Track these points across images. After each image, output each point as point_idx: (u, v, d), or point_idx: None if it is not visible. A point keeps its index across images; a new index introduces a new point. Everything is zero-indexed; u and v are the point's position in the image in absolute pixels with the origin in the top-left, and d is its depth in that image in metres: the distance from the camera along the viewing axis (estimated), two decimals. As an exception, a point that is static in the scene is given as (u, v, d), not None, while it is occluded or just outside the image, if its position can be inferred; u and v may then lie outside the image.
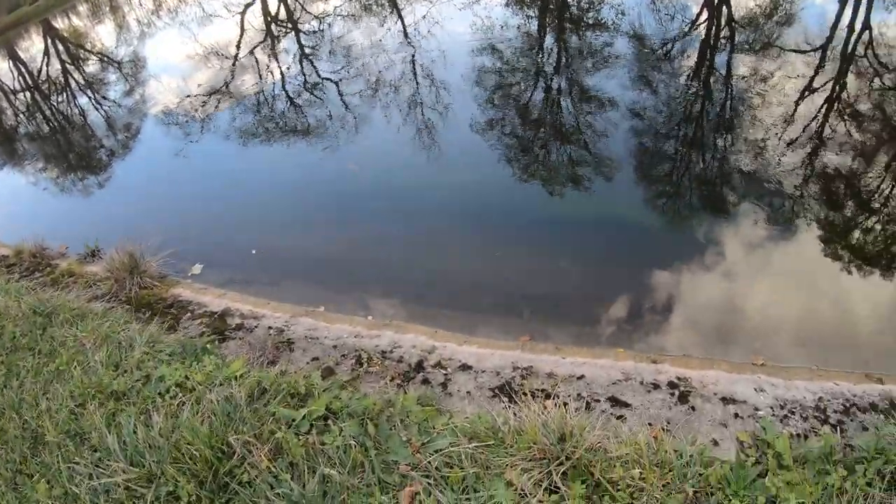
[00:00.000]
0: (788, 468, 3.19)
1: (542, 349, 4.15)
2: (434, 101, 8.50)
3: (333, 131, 8.06)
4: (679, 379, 3.75)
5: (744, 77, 9.05)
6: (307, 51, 10.85)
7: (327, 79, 9.49)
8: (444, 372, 4.00)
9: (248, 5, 14.08)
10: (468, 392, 3.80)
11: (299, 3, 13.49)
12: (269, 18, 13.22)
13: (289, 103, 9.00)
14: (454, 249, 5.66)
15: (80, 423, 3.66)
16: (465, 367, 4.01)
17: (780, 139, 7.55)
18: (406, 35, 10.67)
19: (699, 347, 4.35)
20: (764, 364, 4.16)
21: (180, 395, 3.73)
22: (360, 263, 5.63)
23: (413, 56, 9.84)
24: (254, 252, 5.84)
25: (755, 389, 3.81)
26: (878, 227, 6.33)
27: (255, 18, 13.15)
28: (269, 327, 4.81)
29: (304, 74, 9.85)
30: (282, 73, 10.05)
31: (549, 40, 10.29)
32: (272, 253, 5.93)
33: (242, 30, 12.58)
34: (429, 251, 5.70)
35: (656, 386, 3.69)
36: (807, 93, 8.78)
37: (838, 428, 3.71)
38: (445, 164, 7.08)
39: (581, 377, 3.77)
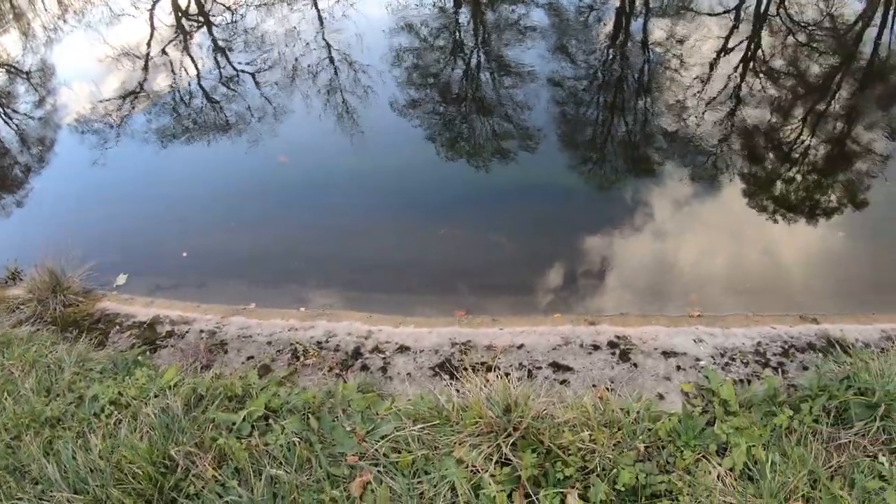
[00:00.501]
0: (735, 414, 3.19)
1: (480, 322, 4.05)
2: (354, 85, 8.28)
3: (255, 124, 7.73)
4: (618, 338, 3.72)
5: (661, 41, 9.16)
6: (221, 44, 10.41)
7: (244, 71, 9.12)
8: (383, 356, 3.85)
9: (156, 1, 13.46)
10: (409, 374, 3.67)
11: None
12: (179, 13, 12.66)
13: (207, 99, 8.60)
14: (385, 232, 5.48)
15: (18, 455, 3.37)
16: (403, 349, 3.87)
17: (699, 99, 7.68)
18: (321, 20, 10.37)
19: (635, 305, 4.34)
20: (700, 315, 4.18)
21: (116, 412, 3.52)
22: (291, 255, 5.39)
23: (329, 41, 9.58)
24: (185, 255, 5.54)
25: (694, 341, 3.81)
26: (798, 175, 6.49)
27: (165, 14, 12.55)
28: (201, 331, 4.57)
29: (220, 68, 9.44)
30: (197, 68, 9.61)
31: (465, 16, 10.12)
32: (200, 254, 5.63)
33: (153, 27, 11.99)
34: (360, 236, 5.50)
35: (597, 347, 3.65)
36: (723, 53, 8.96)
37: (780, 370, 3.75)
38: (371, 148, 6.88)
39: (521, 346, 3.68)
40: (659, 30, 9.57)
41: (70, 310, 4.98)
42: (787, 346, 4.03)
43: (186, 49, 10.60)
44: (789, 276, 5.04)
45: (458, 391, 3.17)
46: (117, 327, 4.77)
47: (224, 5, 12.01)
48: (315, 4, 11.07)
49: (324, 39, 9.64)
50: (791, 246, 5.43)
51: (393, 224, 5.59)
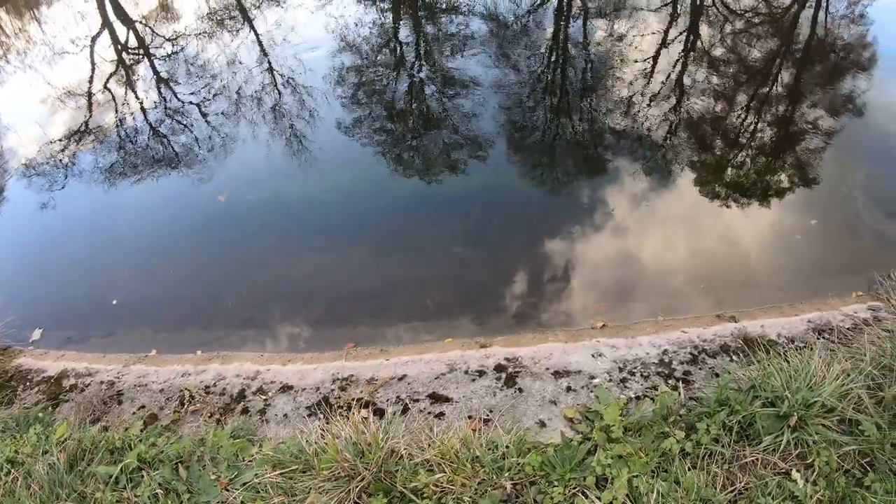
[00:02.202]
0: (619, 440, 2.95)
1: (367, 354, 3.88)
2: (299, 109, 8.14)
3: (201, 157, 7.56)
4: (508, 360, 3.52)
5: (600, 41, 9.05)
6: (163, 76, 10.27)
7: (188, 102, 8.96)
8: (265, 397, 3.68)
9: (95, 37, 13.34)
10: (286, 415, 3.49)
11: (149, 28, 12.85)
12: (119, 47, 12.54)
13: (151, 134, 8.42)
14: (291, 262, 5.30)
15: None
16: (286, 389, 3.69)
17: (635, 95, 7.56)
18: (261, 45, 10.24)
19: (536, 322, 4.15)
20: (605, 326, 3.99)
21: (13, 471, 3.47)
22: (197, 296, 5.22)
23: (271, 66, 9.44)
24: (114, 302, 5.38)
25: (593, 356, 3.61)
26: (722, 165, 6.34)
27: (105, 50, 12.43)
28: (101, 382, 4.46)
29: (164, 100, 9.28)
30: (140, 103, 9.45)
31: (405, 31, 9.98)
32: (109, 301, 5.49)
33: (94, 63, 11.87)
34: (263, 269, 5.29)
35: (482, 373, 3.45)
36: (664, 46, 8.86)
37: (684, 381, 3.54)
38: (291, 175, 6.70)
39: (403, 377, 3.50)
40: (599, 29, 9.45)
41: (-15, 370, 4.86)
42: (697, 352, 3.83)
43: (129, 83, 10.45)
44: (708, 272, 4.84)
45: (323, 433, 2.97)
46: (27, 383, 4.68)
47: (163, 37, 11.88)
48: (254, 30, 10.94)
49: (266, 64, 9.50)
50: (708, 240, 5.25)
51: (300, 253, 5.42)
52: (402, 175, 6.42)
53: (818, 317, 4.20)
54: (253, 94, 8.61)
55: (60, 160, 8.28)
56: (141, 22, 13.24)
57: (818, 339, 3.89)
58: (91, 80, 10.72)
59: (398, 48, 9.38)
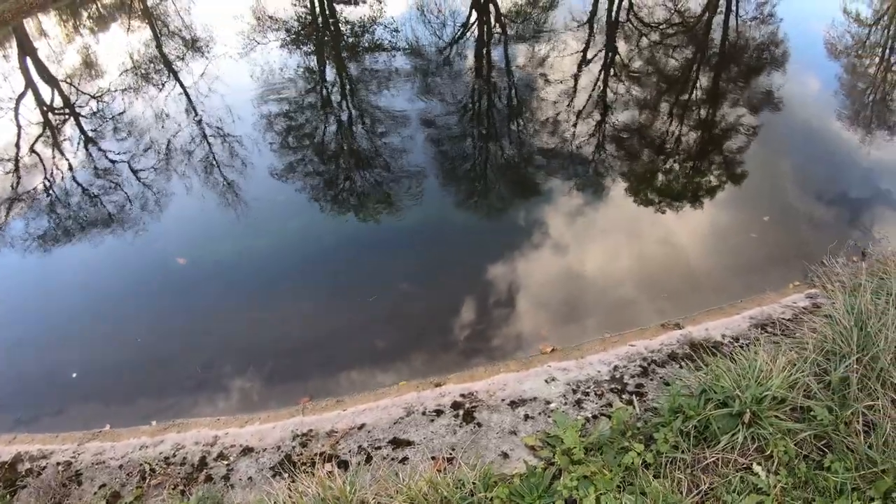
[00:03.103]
0: (582, 461, 3.03)
1: (324, 407, 3.85)
2: (230, 159, 8.03)
3: (133, 216, 7.34)
4: (464, 396, 3.57)
5: (523, 65, 9.31)
6: (91, 134, 10.02)
7: (119, 160, 8.73)
8: (227, 462, 3.60)
9: (19, 97, 12.97)
10: (250, 478, 3.43)
11: (73, 87, 12.57)
12: (44, 108, 12.21)
13: (83, 195, 8.17)
14: (238, 319, 5.21)
15: None
16: (247, 451, 3.63)
17: (570, 112, 7.79)
18: (188, 97, 10.12)
19: (487, 354, 4.21)
20: (554, 350, 4.07)
21: None
22: (143, 362, 5.06)
23: (199, 117, 9.32)
24: (74, 375, 5.17)
25: (546, 381, 3.69)
26: (643, 179, 6.58)
27: (29, 111, 12.08)
28: (58, 463, 4.26)
29: (93, 160, 9.04)
30: (69, 163, 9.18)
31: (330, 72, 10.11)
32: (56, 376, 5.27)
33: (19, 126, 11.52)
34: (211, 328, 5.20)
35: (440, 412, 3.48)
36: (584, 65, 9.18)
37: (635, 395, 3.64)
38: (242, 224, 6.61)
39: (362, 426, 3.49)
40: (520, 55, 9.73)
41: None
42: (646, 364, 3.94)
43: (56, 144, 10.16)
44: (648, 283, 4.99)
45: (290, 493, 2.94)
46: (-21, 471, 4.44)
47: (89, 94, 11.64)
48: (179, 82, 10.83)
49: (193, 116, 9.38)
50: (643, 251, 5.40)
51: (244, 308, 5.33)
52: (338, 218, 6.42)
53: (759, 312, 4.38)
54: (182, 147, 8.49)
55: None
56: (66, 81, 12.97)
57: (762, 334, 4.05)
58: (18, 144, 10.41)
59: (324, 90, 9.43)
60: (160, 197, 7.45)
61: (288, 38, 11.62)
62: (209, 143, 8.56)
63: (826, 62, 9.73)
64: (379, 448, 3.33)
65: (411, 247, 5.78)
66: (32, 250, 7.07)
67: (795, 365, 3.19)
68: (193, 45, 12.68)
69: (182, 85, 10.69)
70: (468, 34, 10.79)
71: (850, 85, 8.85)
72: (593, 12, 11.37)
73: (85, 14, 19.94)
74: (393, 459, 3.22)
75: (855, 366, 3.11)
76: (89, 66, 13.71)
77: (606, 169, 6.72)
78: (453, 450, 3.22)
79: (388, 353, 4.42)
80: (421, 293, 5.00)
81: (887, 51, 10.19)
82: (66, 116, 11.36)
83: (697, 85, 8.65)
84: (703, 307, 4.62)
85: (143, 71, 12.07)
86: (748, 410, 2.98)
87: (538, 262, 5.31)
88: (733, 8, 12.21)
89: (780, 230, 5.61)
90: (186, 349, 4.95)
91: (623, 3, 12.07)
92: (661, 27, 10.79)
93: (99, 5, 20.29)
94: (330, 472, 2.99)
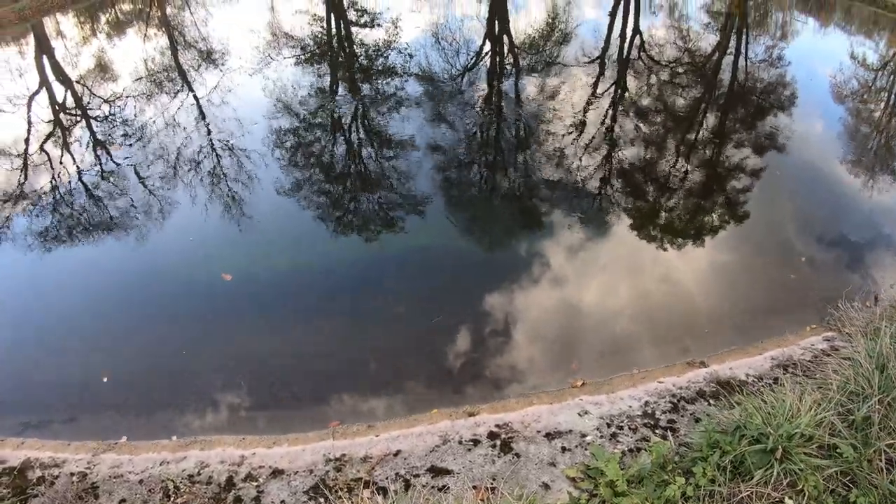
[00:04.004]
0: (625, 493, 3.04)
1: (355, 432, 3.79)
2: (237, 172, 7.99)
3: (140, 222, 7.27)
4: (499, 426, 3.54)
5: (533, 97, 9.40)
6: (101, 137, 9.97)
7: (124, 164, 8.67)
8: (256, 484, 3.53)
9: (32, 96, 12.91)
10: (283, 501, 3.36)
11: (87, 89, 12.53)
12: (56, 108, 12.16)
13: (89, 197, 8.07)
14: (256, 338, 5.13)
15: None
16: (277, 473, 3.56)
17: (576, 147, 7.85)
18: (200, 108, 10.11)
19: (517, 385, 4.20)
20: (584, 384, 4.07)
21: None
22: (161, 376, 4.97)
23: (209, 128, 9.30)
24: (105, 380, 5.03)
25: (579, 414, 3.68)
26: (669, 212, 6.64)
27: (42, 109, 12.02)
28: (72, 473, 4.13)
29: (101, 163, 8.98)
30: (77, 165, 9.10)
31: (342, 93, 10.10)
32: (71, 382, 5.14)
33: (30, 123, 11.44)
34: (229, 345, 5.08)
35: (476, 441, 3.45)
36: (593, 100, 9.29)
37: (670, 430, 3.66)
38: (249, 241, 6.55)
39: (398, 453, 3.45)
40: (531, 86, 9.83)
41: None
42: (676, 401, 3.96)
43: (66, 145, 10.08)
44: (672, 321, 5.04)
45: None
46: (-14, 475, 4.30)
47: (102, 97, 11.60)
48: (192, 92, 10.82)
49: (204, 127, 9.35)
50: (667, 290, 5.46)
51: (265, 328, 5.26)
52: (359, 240, 6.38)
53: (780, 353, 4.48)
54: (192, 158, 8.44)
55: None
56: (80, 82, 12.94)
57: (784, 374, 4.13)
58: (28, 140, 10.32)
59: (336, 110, 9.45)
60: (176, 208, 7.38)
61: (303, 57, 11.67)
62: (217, 155, 8.52)
63: (832, 105, 9.95)
64: (417, 475, 3.29)
65: (433, 274, 5.77)
66: (43, 251, 6.97)
67: (821, 404, 3.30)
68: (208, 57, 12.71)
69: (195, 95, 10.67)
70: (481, 63, 10.91)
71: (858, 128, 9.04)
72: (605, 48, 11.55)
73: (103, 18, 19.97)
74: (433, 487, 3.18)
75: (877, 406, 3.25)
76: (104, 69, 13.69)
77: (626, 207, 6.75)
78: (494, 479, 3.19)
79: (416, 380, 4.38)
80: (447, 321, 4.97)
81: (893, 95, 10.43)
82: (78, 118, 11.30)
83: (704, 125, 8.78)
84: (725, 346, 4.70)
85: (156, 79, 12.07)
86: (780, 447, 3.05)
87: (564, 296, 5.33)
88: (743, 50, 12.50)
89: (795, 274, 5.69)
90: (205, 364, 4.87)
91: (635, 40, 12.30)
92: (671, 66, 10.98)
93: (118, 11, 20.35)
94: (369, 498, 2.93)
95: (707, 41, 12.82)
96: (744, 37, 13.72)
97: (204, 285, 5.82)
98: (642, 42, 12.22)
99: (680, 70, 10.92)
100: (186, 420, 4.43)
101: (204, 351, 5.04)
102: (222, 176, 7.94)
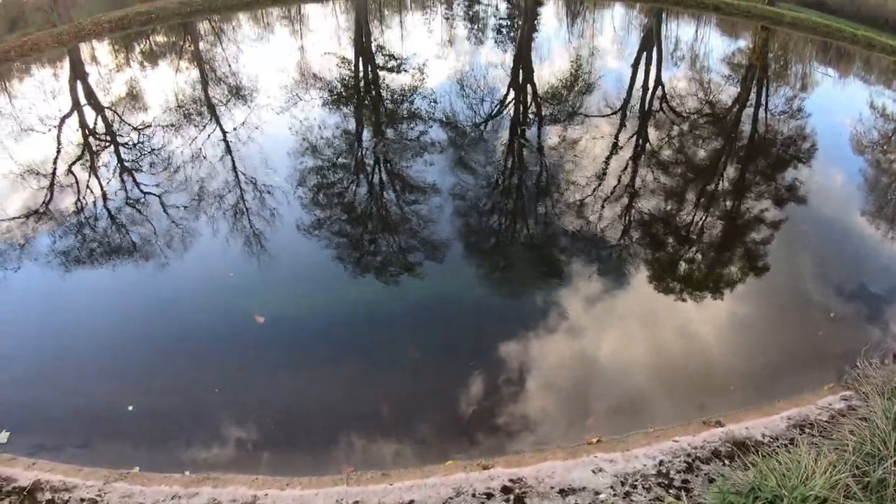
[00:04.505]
0: (636, 556, 3.03)
1: (369, 479, 3.80)
2: (259, 207, 8.12)
3: (158, 249, 7.37)
4: (513, 481, 3.54)
5: (555, 146, 9.53)
6: (128, 164, 10.18)
7: (150, 193, 8.83)
8: (268, 527, 3.54)
9: (64, 118, 13.26)
10: (293, 548, 3.37)
11: (117, 115, 12.86)
12: (87, 131, 12.47)
13: (112, 222, 8.21)
14: (274, 377, 5.16)
15: None
16: (289, 517, 3.58)
17: (597, 196, 7.91)
18: (226, 142, 10.31)
19: (532, 437, 4.20)
20: (600, 440, 4.06)
21: None
22: (178, 410, 5.00)
23: (235, 163, 9.48)
24: (130, 409, 5.07)
25: (594, 471, 3.67)
26: (688, 270, 6.66)
27: (72, 132, 12.33)
28: (82, 499, 4.16)
29: (126, 189, 9.15)
30: (103, 189, 9.27)
31: (366, 136, 10.27)
32: (87, 408, 5.19)
33: (60, 144, 11.73)
34: (245, 383, 5.11)
35: (490, 495, 3.45)
36: (614, 150, 9.39)
37: (683, 491, 3.63)
38: (275, 278, 6.63)
39: (411, 502, 3.45)
40: (553, 136, 9.97)
41: (-52, 473, 4.49)
42: (690, 460, 3.94)
43: (93, 169, 10.28)
44: (688, 378, 5.03)
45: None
46: (-3, 491, 4.33)
47: (131, 125, 11.87)
48: (220, 126, 11.05)
49: (230, 161, 9.52)
50: (685, 346, 5.46)
51: (284, 367, 5.29)
52: (379, 285, 6.42)
53: (797, 413, 4.47)
54: (216, 193, 8.56)
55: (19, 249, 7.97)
56: (111, 108, 13.27)
57: (801, 434, 4.11)
58: (56, 161, 10.56)
59: (360, 152, 9.60)
60: (201, 241, 7.47)
61: (330, 98, 11.92)
62: (241, 189, 8.62)
63: (852, 156, 10.00)
64: (430, 528, 3.29)
65: (449, 322, 5.79)
66: (89, 279, 7.05)
67: (836, 466, 3.28)
68: (237, 93, 13.01)
69: (222, 129, 10.89)
70: (504, 112, 11.07)
71: (878, 179, 9.04)
72: (627, 99, 11.72)
73: (138, 48, 20.56)
74: (445, 542, 3.18)
75: (892, 468, 3.24)
76: (134, 97, 14.06)
77: (641, 258, 6.77)
78: (506, 537, 3.18)
79: (432, 428, 4.39)
80: (461, 371, 5.00)
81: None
82: (107, 143, 11.55)
83: (724, 176, 8.83)
84: (742, 404, 4.68)
85: (185, 111, 12.36)
86: (794, 509, 3.01)
87: (582, 348, 5.34)
88: (763, 101, 12.62)
89: (814, 329, 5.67)
90: (223, 404, 4.90)
91: (656, 92, 12.46)
92: (692, 117, 11.09)
93: (152, 42, 20.95)
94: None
95: (728, 93, 12.97)
96: (764, 88, 13.90)
97: (232, 323, 5.86)
98: (664, 93, 12.37)
99: (701, 121, 11.04)
100: (200, 455, 4.46)
101: (223, 387, 5.07)
102: (245, 211, 8.06)
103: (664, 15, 21.25)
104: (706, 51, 17.20)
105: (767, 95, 13.27)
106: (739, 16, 20.85)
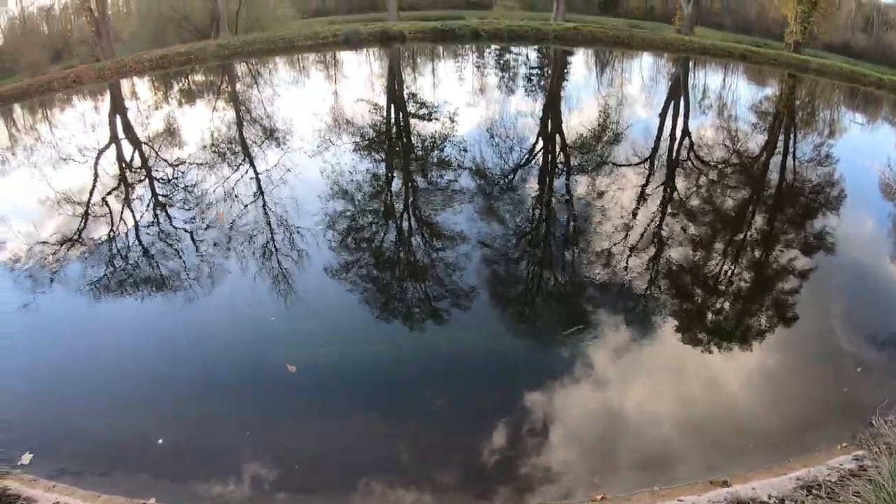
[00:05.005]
0: None
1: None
2: (288, 248, 8.28)
3: (188, 284, 7.56)
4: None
5: (583, 195, 9.65)
6: (161, 199, 10.49)
7: (182, 228, 9.08)
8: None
9: (102, 150, 13.77)
10: None
11: (153, 150, 13.32)
12: (123, 164, 12.91)
13: (143, 254, 8.46)
14: (298, 423, 5.30)
15: None
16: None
17: (624, 245, 7.95)
18: (259, 182, 10.58)
19: (538, 493, 4.24)
20: (604, 498, 4.09)
21: None
22: (201, 446, 5.12)
23: (266, 203, 9.70)
24: (160, 441, 5.23)
25: (597, 531, 3.70)
26: (711, 326, 6.58)
27: (109, 164, 12.78)
28: (98, 525, 4.28)
29: (159, 223, 9.42)
30: (136, 221, 9.56)
31: (396, 182, 10.49)
32: (110, 438, 5.35)
33: (96, 175, 12.16)
34: (272, 427, 5.25)
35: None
36: (642, 200, 9.44)
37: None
38: (297, 319, 6.75)
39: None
40: (581, 185, 10.12)
41: (-30, 488, 4.66)
42: (695, 522, 3.93)
43: (127, 201, 10.59)
44: (697, 436, 5.01)
45: None
46: (17, 510, 4.42)
47: (167, 161, 12.24)
48: (253, 167, 11.32)
49: (261, 201, 9.74)
50: (692, 405, 5.42)
51: (310, 412, 5.41)
52: (405, 332, 6.51)
53: (806, 473, 4.39)
54: (246, 232, 8.72)
55: (61, 277, 8.19)
56: (147, 143, 13.71)
57: (807, 496, 4.06)
58: (92, 192, 10.85)
59: (389, 198, 9.77)
60: (223, 277, 7.64)
61: (361, 143, 12.21)
62: (271, 229, 8.78)
63: (882, 203, 9.94)
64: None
65: (460, 374, 5.85)
66: (120, 310, 7.25)
67: None
68: (271, 135, 13.40)
69: (255, 169, 11.16)
70: (533, 161, 11.23)
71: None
72: (654, 149, 11.81)
73: (176, 86, 21.35)
74: None
75: None
76: (171, 134, 14.57)
77: (658, 307, 6.76)
78: None
79: (441, 480, 4.46)
80: (470, 424, 5.10)
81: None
82: (142, 177, 11.92)
83: (752, 226, 8.80)
84: (751, 462, 4.63)
85: (220, 149, 12.72)
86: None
87: (588, 402, 5.36)
88: (791, 149, 12.62)
89: (832, 385, 5.60)
90: (243, 443, 5.02)
91: (684, 141, 12.55)
92: (719, 166, 11.13)
93: (191, 81, 21.72)
94: None
95: (755, 141, 13.02)
96: (791, 135, 13.94)
97: (263, 367, 5.98)
98: (691, 143, 12.45)
99: (728, 170, 11.06)
100: (217, 492, 4.56)
101: (251, 427, 5.20)
102: (275, 251, 8.19)
103: (692, 63, 21.45)
104: (733, 99, 17.34)
105: (795, 143, 13.30)
106: (766, 63, 20.98)
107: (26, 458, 5.15)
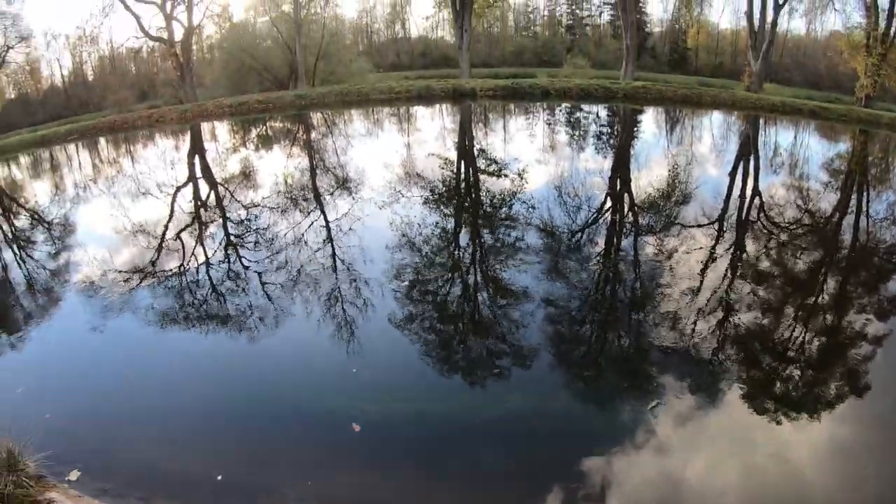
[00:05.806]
0: None
1: None
2: (354, 296, 8.39)
3: (251, 323, 7.75)
4: None
5: (650, 257, 9.52)
6: (233, 239, 10.87)
7: (250, 268, 9.36)
8: None
9: (179, 188, 14.42)
10: None
11: (228, 191, 13.85)
12: (198, 202, 13.47)
13: (211, 291, 8.75)
14: (355, 476, 5.32)
15: None
16: None
17: (691, 309, 7.76)
18: (328, 230, 10.84)
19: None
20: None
21: None
22: (245, 485, 5.19)
23: (334, 251, 9.92)
24: (219, 478, 5.38)
25: None
26: (782, 395, 6.30)
27: (185, 202, 13.36)
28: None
29: (229, 262, 9.73)
30: (207, 258, 9.91)
31: (464, 237, 10.60)
32: (157, 466, 5.49)
33: (172, 211, 12.72)
34: (329, 478, 5.30)
35: None
36: (711, 261, 9.22)
37: None
38: (355, 365, 6.81)
39: None
40: (649, 245, 9.98)
41: (20, 491, 4.81)
42: None
43: (200, 238, 11.00)
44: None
45: None
46: (61, 523, 4.56)
47: (241, 202, 12.70)
48: (324, 214, 11.63)
49: (330, 248, 9.96)
50: (773, 477, 5.14)
51: (370, 465, 5.42)
52: (462, 387, 6.50)
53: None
54: (313, 278, 8.86)
55: (128, 304, 8.51)
56: (223, 184, 14.28)
57: None
58: (167, 226, 11.36)
59: (456, 252, 9.86)
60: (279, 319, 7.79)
61: (431, 197, 12.43)
62: (337, 276, 8.92)
63: None
64: None
65: (517, 435, 5.77)
66: (182, 331, 7.52)
67: None
68: (343, 184, 13.79)
69: (326, 217, 11.47)
70: (601, 219, 11.19)
71: None
72: (724, 209, 11.61)
73: (254, 132, 22.36)
74: None
75: None
76: (246, 177, 15.19)
77: (725, 374, 6.50)
78: None
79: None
80: (524, 486, 5.02)
81: None
82: (216, 216, 12.41)
83: (825, 290, 8.49)
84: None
85: (293, 195, 13.16)
86: None
87: (648, 470, 5.17)
88: (864, 208, 12.21)
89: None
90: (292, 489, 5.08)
91: (754, 202, 12.31)
92: (790, 227, 10.85)
93: (268, 128, 22.73)
94: None
95: (827, 200, 12.70)
96: (864, 193, 13.51)
97: (329, 422, 6.02)
98: (762, 202, 12.21)
99: (799, 231, 10.77)
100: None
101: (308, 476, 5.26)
102: (339, 298, 8.33)
103: (762, 121, 21.14)
104: (804, 156, 17.03)
105: (868, 201, 12.91)
106: (836, 120, 20.54)
107: (74, 474, 5.39)
